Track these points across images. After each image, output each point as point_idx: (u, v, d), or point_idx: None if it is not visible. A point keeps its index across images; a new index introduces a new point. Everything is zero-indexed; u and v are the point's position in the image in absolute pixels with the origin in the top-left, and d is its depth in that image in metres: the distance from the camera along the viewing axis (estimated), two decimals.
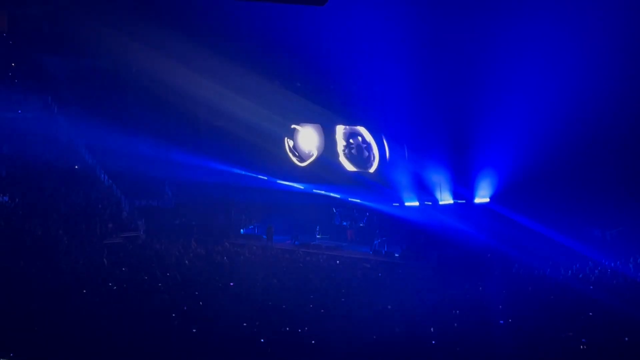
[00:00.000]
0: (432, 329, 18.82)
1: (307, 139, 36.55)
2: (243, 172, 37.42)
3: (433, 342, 17.52)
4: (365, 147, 34.58)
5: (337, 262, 30.25)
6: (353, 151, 35.25)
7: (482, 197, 31.78)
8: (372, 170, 34.73)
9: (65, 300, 22.18)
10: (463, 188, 32.31)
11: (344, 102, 32.99)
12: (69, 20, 31.56)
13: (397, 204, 34.14)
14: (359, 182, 35.01)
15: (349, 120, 34.62)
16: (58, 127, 37.20)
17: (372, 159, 34.50)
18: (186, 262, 28.55)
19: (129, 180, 37.12)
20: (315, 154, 36.52)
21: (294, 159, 37.06)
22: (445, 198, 32.81)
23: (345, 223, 37.16)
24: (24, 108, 37.87)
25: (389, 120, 31.96)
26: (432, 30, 28.46)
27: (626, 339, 15.81)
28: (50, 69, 35.84)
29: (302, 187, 37.26)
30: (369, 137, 34.25)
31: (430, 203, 33.31)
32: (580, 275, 23.66)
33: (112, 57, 32.09)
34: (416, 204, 33.58)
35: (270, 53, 31.45)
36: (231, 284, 24.91)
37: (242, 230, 37.94)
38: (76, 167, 37.58)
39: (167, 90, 32.70)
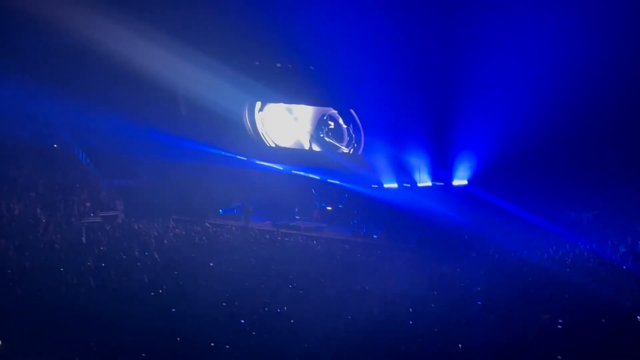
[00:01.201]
0: (410, 310, 18.96)
1: (284, 120, 36.48)
2: (222, 153, 37.36)
3: (410, 322, 17.64)
4: (344, 129, 34.58)
5: (314, 242, 30.35)
6: (331, 133, 35.25)
7: (460, 179, 31.92)
8: (350, 151, 34.75)
9: (43, 279, 22.13)
10: (441, 170, 32.41)
11: (321, 83, 32.86)
12: None
13: (376, 186, 34.23)
14: (337, 163, 35.03)
15: (327, 102, 34.56)
16: (36, 105, 36.89)
17: (350, 140, 34.53)
18: (165, 241, 28.54)
19: (107, 159, 37.00)
20: (292, 134, 36.47)
21: (268, 139, 37.03)
22: (424, 180, 32.92)
23: (324, 204, 37.28)
24: (1, 86, 37.53)
25: (367, 101, 31.92)
26: (410, 11, 28.38)
27: (603, 320, 15.98)
28: (27, 46, 35.46)
29: (281, 168, 37.27)
30: (346, 119, 34.24)
31: (409, 185, 33.42)
32: (557, 258, 23.86)
33: (89, 35, 31.74)
34: (395, 185, 33.68)
35: (246, 31, 31.23)
36: (210, 264, 24.93)
37: (221, 210, 37.96)
38: (55, 145, 37.37)
39: (145, 70, 32.43)
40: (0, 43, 35.56)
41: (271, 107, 36.62)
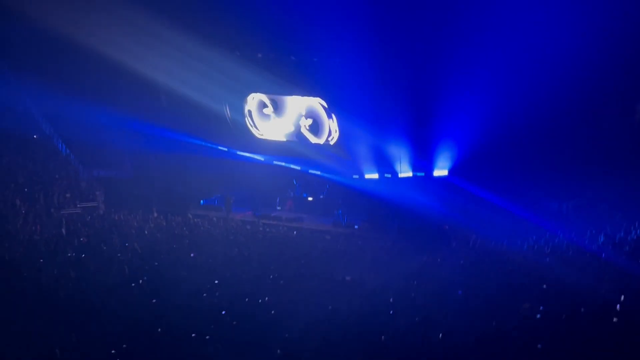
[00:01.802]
0: (390, 300, 19.02)
1: (266, 111, 36.40)
2: (203, 143, 37.26)
3: (391, 312, 17.69)
4: (325, 119, 34.55)
5: (295, 233, 30.39)
6: (312, 123, 35.19)
7: (440, 169, 32.00)
8: (331, 142, 34.72)
9: (23, 270, 22.02)
10: (422, 161, 32.47)
11: (303, 73, 32.85)
12: None
13: (357, 176, 34.27)
14: (318, 154, 35.02)
15: (308, 92, 34.52)
16: (14, 95, 36.64)
17: (331, 131, 34.50)
18: (146, 232, 28.47)
19: (87, 150, 36.82)
20: (274, 125, 36.39)
21: (253, 130, 36.92)
22: (405, 171, 32.98)
23: (305, 194, 37.31)
24: None
25: (348, 92, 31.92)
26: (391, 1, 28.42)
27: (582, 309, 16.09)
28: (5, 36, 35.19)
29: (262, 159, 37.22)
30: (328, 109, 34.21)
31: (389, 175, 33.47)
32: (537, 247, 23.99)
33: (68, 24, 31.53)
34: (376, 176, 33.73)
35: (227, 20, 31.15)
36: (191, 254, 24.90)
37: (202, 201, 37.90)
38: (34, 136, 37.13)
39: (126, 59, 32.29)
40: None
41: (253, 98, 36.50)
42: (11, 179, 32.51)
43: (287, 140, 36.28)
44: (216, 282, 21.09)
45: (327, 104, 34.07)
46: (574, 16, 25.73)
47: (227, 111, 36.69)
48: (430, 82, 29.51)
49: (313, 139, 35.22)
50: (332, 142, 34.70)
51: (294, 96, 35.31)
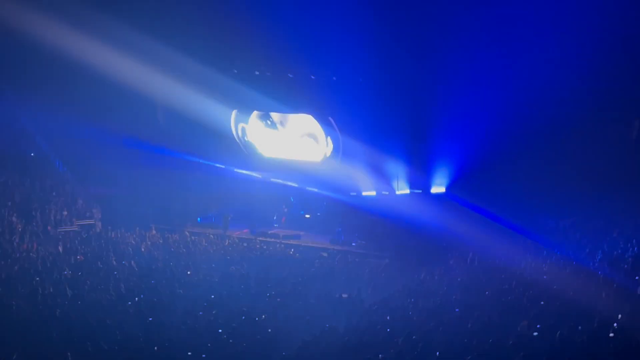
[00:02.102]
0: (387, 317, 18.99)
1: (263, 128, 36.41)
2: (200, 160, 37.27)
3: (388, 329, 17.65)
4: (322, 137, 34.57)
5: (292, 250, 30.38)
6: (308, 140, 35.19)
7: (438, 186, 32.03)
8: (328, 159, 34.68)
9: (19, 288, 21.96)
10: (419, 178, 32.51)
11: (300, 91, 32.91)
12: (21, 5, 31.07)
13: (355, 194, 34.28)
14: (316, 171, 35.01)
15: (306, 109, 34.55)
16: (11, 113, 36.65)
17: (328, 148, 34.50)
18: (142, 250, 28.43)
19: (84, 167, 36.79)
20: (271, 143, 36.39)
21: (250, 147, 36.93)
22: (402, 188, 33.01)
23: (302, 212, 37.31)
24: None
25: (345, 109, 32.02)
26: (389, 18, 28.51)
27: (579, 327, 16.07)
28: (2, 54, 35.26)
29: (259, 176, 37.23)
30: (325, 127, 34.23)
31: (387, 193, 33.48)
32: (534, 264, 23.96)
33: (66, 42, 31.61)
34: (373, 193, 33.74)
35: (223, 38, 31.28)
36: (188, 272, 24.85)
37: (199, 219, 37.88)
38: (32, 154, 37.13)
39: (122, 77, 32.35)
40: None
41: (250, 115, 36.53)
42: (8, 197, 32.45)
43: (284, 158, 36.28)
44: (213, 299, 21.05)
45: (324, 122, 34.09)
46: (574, 34, 25.87)
47: (226, 130, 36.72)
48: (428, 100, 29.64)
49: (310, 156, 35.22)
50: (329, 160, 34.66)
51: (290, 114, 35.34)
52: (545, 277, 21.99)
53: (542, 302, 18.87)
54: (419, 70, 29.38)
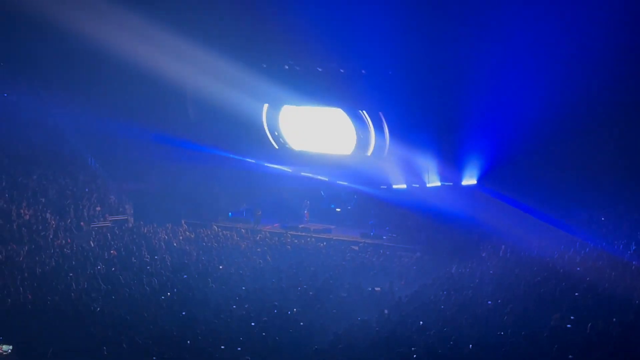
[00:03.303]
0: (419, 311, 18.96)
1: (294, 122, 36.41)
2: (231, 156, 37.32)
3: (421, 322, 17.63)
4: (351, 130, 34.48)
5: (324, 244, 30.41)
6: (338, 134, 35.12)
7: (469, 179, 31.84)
8: (359, 153, 34.60)
9: (54, 284, 22.21)
10: (450, 170, 32.32)
11: (331, 85, 32.79)
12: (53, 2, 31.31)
13: (385, 187, 34.18)
14: (346, 165, 34.91)
15: (337, 103, 34.45)
16: (44, 110, 37.02)
17: (359, 141, 34.40)
18: (175, 245, 28.62)
19: (116, 163, 37.06)
20: (301, 136, 36.37)
21: (280, 141, 36.94)
22: (433, 180, 32.84)
23: (332, 205, 37.29)
24: (10, 92, 37.72)
25: (376, 102, 31.89)
26: (421, 12, 28.35)
27: (614, 319, 15.91)
28: (36, 52, 35.58)
29: (289, 170, 37.23)
30: (356, 120, 34.13)
31: (418, 185, 33.35)
32: (567, 257, 23.78)
33: (98, 40, 31.81)
34: (404, 186, 33.62)
35: (253, 33, 31.29)
36: (220, 267, 24.98)
37: (230, 213, 37.99)
38: (64, 150, 37.47)
39: (154, 73, 32.50)
40: (10, 49, 35.75)
41: (281, 110, 36.52)
42: (42, 194, 32.78)
43: (314, 152, 36.23)
44: (245, 294, 21.15)
45: (354, 115, 33.99)
46: (606, 27, 25.56)
47: (256, 124, 36.78)
48: (459, 92, 29.39)
49: (340, 150, 35.15)
50: (359, 153, 34.56)
51: (320, 107, 35.26)
52: (578, 268, 21.83)
53: (576, 294, 18.73)
54: (448, 61, 29.16)
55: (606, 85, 26.76)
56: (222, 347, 16.42)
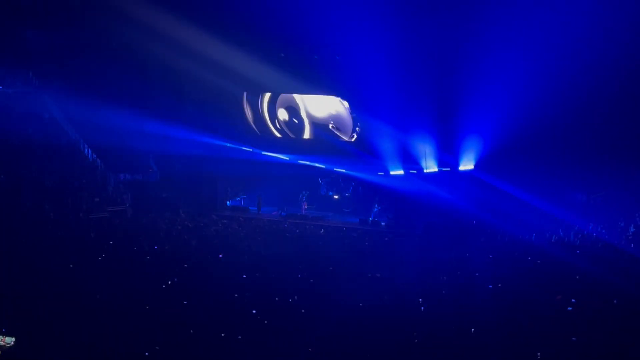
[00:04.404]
0: (421, 296, 18.98)
1: (291, 110, 36.40)
2: (228, 145, 37.31)
3: (422, 308, 17.66)
4: (350, 117, 34.50)
5: (322, 231, 30.46)
6: (335, 121, 35.14)
7: (466, 164, 31.87)
8: (356, 139, 34.63)
9: (53, 275, 22.19)
10: (448, 156, 32.36)
11: (327, 72, 32.82)
12: None
13: (382, 173, 34.22)
14: (343, 152, 34.94)
15: (333, 90, 34.46)
16: (40, 102, 36.97)
17: (356, 128, 34.43)
18: (174, 234, 28.60)
19: (113, 154, 37.02)
20: (299, 124, 36.36)
21: (277, 129, 36.95)
22: (430, 166, 32.87)
23: (330, 193, 37.33)
24: (5, 84, 37.62)
25: (372, 89, 31.87)
26: None
27: (615, 301, 15.99)
28: (31, 44, 35.52)
29: (287, 158, 37.24)
30: (352, 106, 34.15)
31: (415, 171, 33.39)
32: (565, 240, 23.86)
33: (93, 30, 31.79)
34: (401, 172, 33.66)
35: (249, 22, 31.29)
36: (220, 255, 24.97)
37: (228, 202, 38.01)
38: (61, 142, 37.41)
39: (150, 63, 32.47)
40: (4, 40, 35.65)
41: (277, 98, 36.52)
42: (40, 185, 32.74)
43: (311, 139, 36.25)
44: (245, 282, 21.15)
45: (350, 102, 34.02)
46: (599, 13, 25.56)
47: (252, 112, 36.77)
48: (455, 77, 29.42)
49: (337, 137, 35.18)
50: (356, 140, 34.59)
51: (317, 95, 35.27)
52: (578, 251, 21.89)
53: (577, 277, 18.80)
54: (446, 47, 29.18)
55: (604, 69, 26.78)
56: (223, 334, 16.44)
